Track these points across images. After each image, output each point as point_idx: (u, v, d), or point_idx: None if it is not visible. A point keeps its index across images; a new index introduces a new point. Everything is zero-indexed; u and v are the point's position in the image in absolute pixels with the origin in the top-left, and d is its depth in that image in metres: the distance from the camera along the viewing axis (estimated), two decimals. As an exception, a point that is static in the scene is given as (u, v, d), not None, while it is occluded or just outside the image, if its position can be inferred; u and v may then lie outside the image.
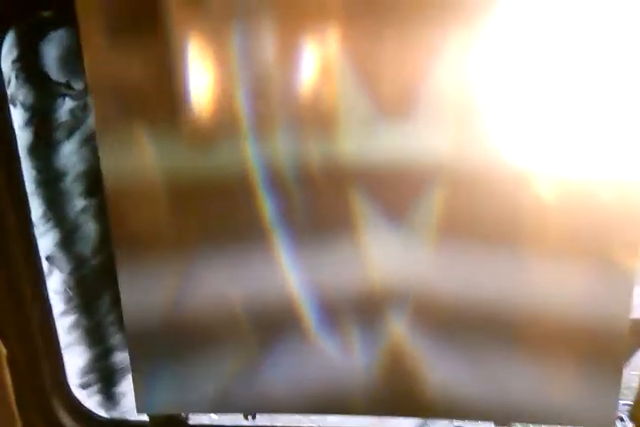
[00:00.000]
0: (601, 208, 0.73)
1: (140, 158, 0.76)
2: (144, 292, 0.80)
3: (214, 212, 0.77)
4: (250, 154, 0.75)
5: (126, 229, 0.78)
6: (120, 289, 0.78)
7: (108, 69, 0.73)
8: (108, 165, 0.75)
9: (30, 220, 0.83)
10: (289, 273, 0.78)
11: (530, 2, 0.68)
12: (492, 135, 0.72)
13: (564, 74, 0.69)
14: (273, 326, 0.80)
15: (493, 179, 0.73)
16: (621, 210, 0.73)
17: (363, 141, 0.74)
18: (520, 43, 0.69)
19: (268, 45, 0.72)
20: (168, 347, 0.82)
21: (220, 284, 0.79)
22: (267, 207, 0.76)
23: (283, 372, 0.82)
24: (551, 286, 0.76)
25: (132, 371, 0.82)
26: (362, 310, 0.79)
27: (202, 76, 0.73)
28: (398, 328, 0.80)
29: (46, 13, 0.76)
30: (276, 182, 0.75)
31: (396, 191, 0.75)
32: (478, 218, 0.75)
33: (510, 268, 0.76)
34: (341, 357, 0.81)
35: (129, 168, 0.76)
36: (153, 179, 0.77)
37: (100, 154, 0.74)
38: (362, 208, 0.76)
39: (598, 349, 0.77)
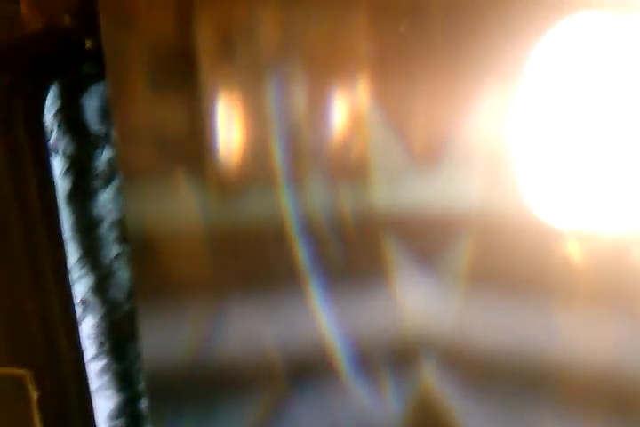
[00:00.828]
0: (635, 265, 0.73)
1: (171, 207, 0.78)
2: (166, 340, 0.80)
3: (247, 259, 0.79)
4: (284, 203, 0.76)
5: (150, 276, 0.79)
6: (141, 339, 0.79)
7: (137, 120, 0.76)
8: (133, 214, 0.77)
9: (67, 265, 0.85)
10: (322, 320, 0.79)
11: (567, 56, 0.69)
12: (524, 186, 0.73)
13: (601, 128, 0.70)
14: (304, 372, 0.81)
15: (524, 230, 0.74)
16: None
17: (394, 190, 0.76)
18: (555, 94, 0.70)
19: (301, 96, 0.74)
20: (192, 396, 0.83)
21: (252, 331, 0.80)
22: (300, 255, 0.77)
23: (313, 418, 0.82)
24: (583, 341, 0.76)
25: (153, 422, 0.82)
26: (393, 358, 0.80)
27: (235, 128, 0.76)
28: (430, 377, 0.80)
29: (88, 67, 0.79)
30: (310, 230, 0.77)
31: (427, 239, 0.76)
32: (509, 268, 0.76)
33: (541, 321, 0.76)
34: (372, 404, 0.81)
35: (157, 216, 0.78)
36: (183, 227, 0.78)
37: (127, 203, 0.77)
38: (394, 256, 0.77)
39: (632, 405, 0.76)
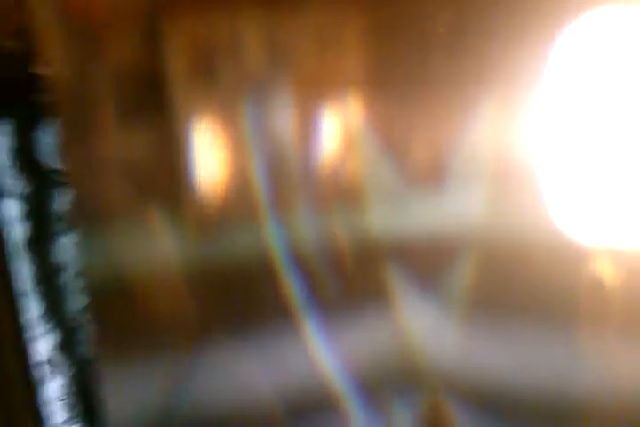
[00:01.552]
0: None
1: (144, 250, 0.71)
2: (134, 397, 0.73)
3: (233, 301, 0.72)
4: (270, 235, 0.70)
5: (109, 327, 0.72)
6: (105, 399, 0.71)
7: (101, 154, 0.69)
8: (99, 259, 0.70)
9: (25, 322, 0.76)
10: (320, 356, 0.74)
11: (569, 68, 0.66)
12: (529, 207, 0.69)
13: (609, 141, 0.67)
14: (306, 413, 0.75)
15: (530, 253, 0.70)
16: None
17: (391, 214, 0.72)
18: (560, 109, 0.67)
19: (287, 117, 0.68)
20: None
21: (246, 372, 0.73)
22: (292, 290, 0.72)
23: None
24: (598, 369, 0.71)
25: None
26: (396, 388, 0.76)
27: (214, 157, 0.69)
28: (434, 406, 0.75)
29: (39, 97, 0.71)
30: (301, 263, 0.71)
31: (428, 264, 0.73)
32: (513, 293, 0.72)
33: (549, 347, 0.72)
34: None
35: (128, 261, 0.71)
36: (159, 270, 0.71)
37: (92, 248, 0.69)
38: (394, 283, 0.73)
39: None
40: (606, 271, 0.68)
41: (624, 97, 0.65)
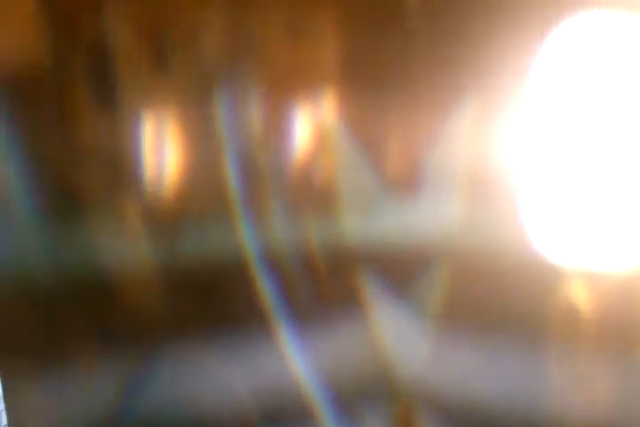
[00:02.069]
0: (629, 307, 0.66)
1: (112, 243, 0.69)
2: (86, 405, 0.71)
3: (203, 300, 0.70)
4: (243, 235, 0.68)
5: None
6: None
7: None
8: None
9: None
10: (292, 360, 0.72)
11: (555, 72, 0.62)
12: (505, 219, 0.66)
13: (592, 147, 0.63)
14: (278, 417, 0.74)
15: (506, 265, 0.67)
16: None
17: (365, 219, 0.69)
18: (543, 110, 0.63)
19: (256, 114, 0.65)
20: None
21: (216, 376, 0.72)
22: (265, 292, 0.69)
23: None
24: (564, 388, 0.69)
25: None
26: (369, 395, 0.73)
27: (180, 153, 0.66)
28: (408, 415, 0.74)
29: None
30: (274, 265, 0.69)
31: (402, 272, 0.70)
32: (488, 305, 0.69)
33: (521, 362, 0.70)
34: None
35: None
36: (124, 273, 0.69)
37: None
38: (367, 289, 0.71)
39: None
40: (578, 292, 0.65)
41: (611, 105, 0.61)
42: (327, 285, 0.71)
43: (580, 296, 0.66)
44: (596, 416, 0.68)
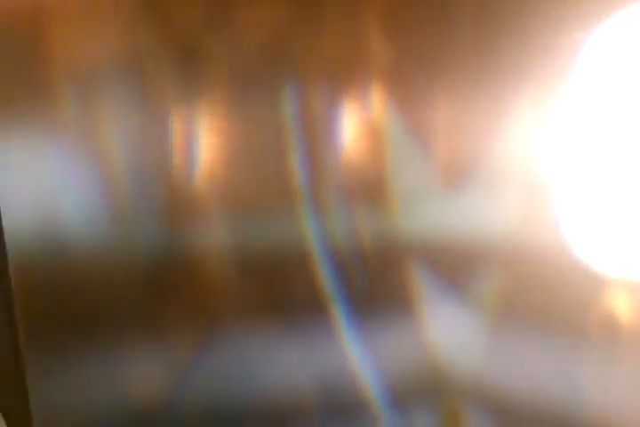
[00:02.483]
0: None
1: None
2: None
3: (264, 287, 0.72)
4: (305, 226, 0.69)
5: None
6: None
7: None
8: None
9: None
10: (347, 347, 0.73)
11: (607, 68, 0.61)
12: (563, 214, 0.66)
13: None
14: (331, 402, 0.74)
15: (558, 265, 0.67)
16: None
17: (417, 211, 0.69)
18: (602, 111, 0.62)
19: (313, 110, 0.67)
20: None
21: (276, 364, 0.73)
22: (323, 282, 0.71)
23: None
24: (614, 394, 0.68)
25: None
26: (419, 387, 0.74)
27: (252, 146, 0.68)
28: (456, 409, 0.74)
29: None
30: (330, 255, 0.70)
31: (453, 265, 0.71)
32: (538, 304, 0.69)
33: (565, 364, 0.70)
34: None
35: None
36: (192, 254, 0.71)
37: None
38: (418, 282, 0.71)
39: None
40: (619, 301, 0.65)
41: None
42: (381, 276, 0.71)
43: (620, 303, 0.65)
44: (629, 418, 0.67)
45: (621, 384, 0.68)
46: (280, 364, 0.72)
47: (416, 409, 0.75)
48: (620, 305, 0.66)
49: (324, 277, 0.70)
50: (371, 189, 0.69)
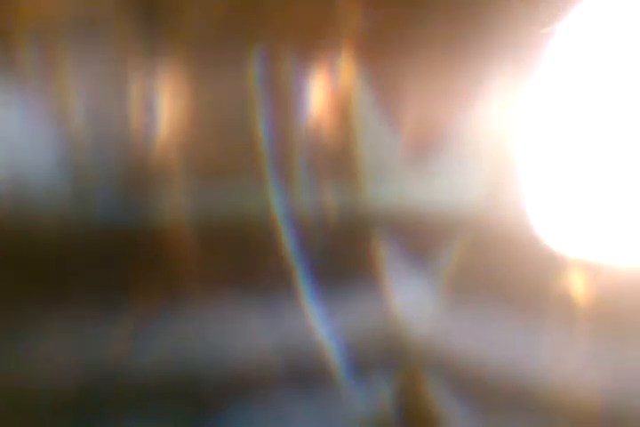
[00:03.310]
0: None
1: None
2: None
3: (230, 258, 0.72)
4: (269, 198, 0.69)
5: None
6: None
7: None
8: None
9: None
10: (311, 317, 0.73)
11: (583, 48, 0.60)
12: (530, 193, 0.65)
13: (620, 131, 0.62)
14: (295, 371, 0.75)
15: (523, 242, 0.67)
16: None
17: (384, 186, 0.69)
18: (579, 87, 0.62)
19: (279, 80, 0.65)
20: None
21: (240, 335, 0.73)
22: (288, 253, 0.70)
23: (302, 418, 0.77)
24: (571, 367, 0.69)
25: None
26: (381, 356, 0.74)
27: (215, 114, 0.66)
28: (417, 381, 0.75)
29: None
30: (297, 227, 0.70)
31: (419, 239, 0.70)
32: (502, 279, 0.69)
33: (530, 339, 0.70)
34: (360, 404, 0.76)
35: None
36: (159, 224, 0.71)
37: None
38: (383, 255, 0.71)
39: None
40: (577, 280, 0.65)
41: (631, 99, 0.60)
42: (345, 248, 0.71)
43: (578, 283, 0.66)
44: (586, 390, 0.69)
45: (575, 359, 0.69)
46: (243, 334, 0.72)
47: (376, 377, 0.76)
48: (577, 284, 0.67)
49: (289, 248, 0.70)
50: (338, 159, 0.68)
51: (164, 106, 0.67)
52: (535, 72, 0.62)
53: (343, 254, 0.71)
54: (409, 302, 0.73)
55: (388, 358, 0.75)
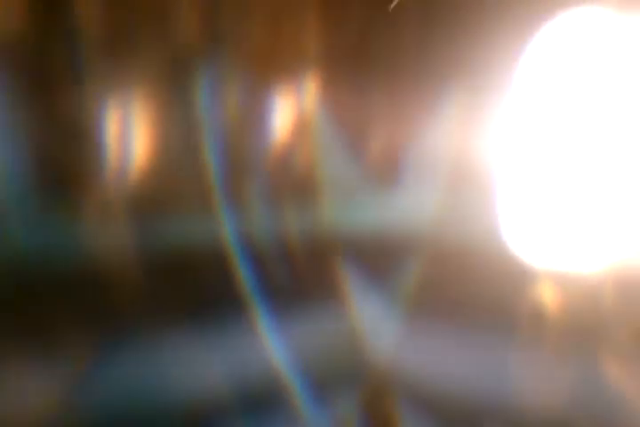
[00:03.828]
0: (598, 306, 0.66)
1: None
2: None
3: (179, 289, 0.70)
4: (221, 222, 0.67)
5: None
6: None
7: None
8: None
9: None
10: (269, 346, 0.71)
11: (547, 60, 0.61)
12: (481, 215, 0.65)
13: (578, 147, 0.62)
14: (254, 403, 0.74)
15: (486, 260, 0.67)
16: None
17: (344, 207, 0.68)
18: (534, 106, 0.62)
19: (236, 101, 0.63)
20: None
21: (193, 364, 0.71)
22: (241, 281, 0.69)
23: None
24: (538, 384, 0.70)
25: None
26: (345, 380, 0.73)
27: (161, 140, 0.64)
28: (381, 400, 0.74)
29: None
30: (251, 251, 0.68)
31: (379, 260, 0.70)
32: (465, 298, 0.69)
33: (495, 350, 0.70)
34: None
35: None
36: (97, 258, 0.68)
37: None
38: (344, 278, 0.70)
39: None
40: (546, 292, 0.66)
41: (599, 107, 0.61)
42: (305, 272, 0.70)
43: (547, 296, 0.66)
44: (554, 403, 0.69)
45: (544, 374, 0.70)
46: (194, 364, 0.70)
47: (339, 398, 0.75)
48: (547, 297, 0.67)
49: (243, 276, 0.68)
50: (298, 182, 0.67)
51: (109, 132, 0.65)
52: (496, 94, 0.62)
53: (303, 277, 0.70)
54: (373, 321, 0.72)
55: (350, 378, 0.74)
